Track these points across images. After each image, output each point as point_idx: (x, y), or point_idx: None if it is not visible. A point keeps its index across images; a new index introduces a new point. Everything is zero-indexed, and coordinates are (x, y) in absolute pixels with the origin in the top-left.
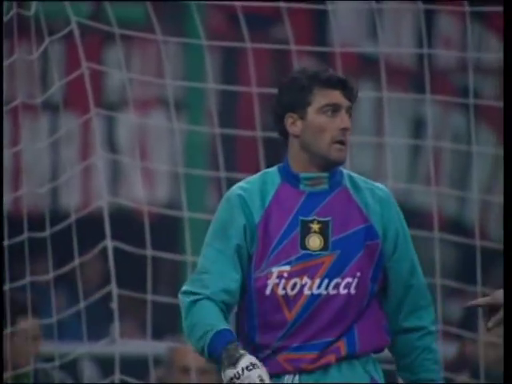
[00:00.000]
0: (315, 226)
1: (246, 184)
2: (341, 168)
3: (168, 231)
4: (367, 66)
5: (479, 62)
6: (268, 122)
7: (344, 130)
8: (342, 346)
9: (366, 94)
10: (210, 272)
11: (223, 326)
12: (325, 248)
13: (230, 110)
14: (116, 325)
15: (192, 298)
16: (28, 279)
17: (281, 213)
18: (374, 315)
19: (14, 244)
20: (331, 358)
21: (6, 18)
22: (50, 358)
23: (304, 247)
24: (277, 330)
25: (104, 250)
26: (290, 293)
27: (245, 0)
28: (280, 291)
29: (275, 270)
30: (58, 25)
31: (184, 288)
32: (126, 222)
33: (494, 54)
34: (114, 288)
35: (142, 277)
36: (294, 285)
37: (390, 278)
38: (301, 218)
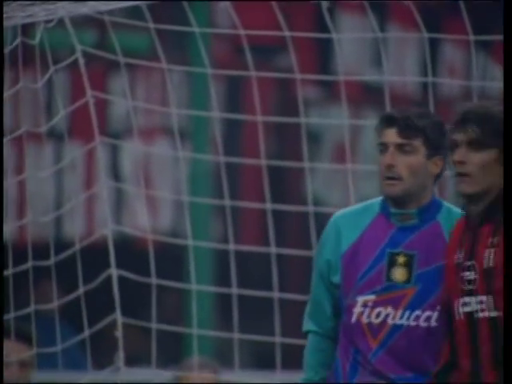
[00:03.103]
0: (401, 259)
1: (349, 209)
2: (441, 201)
3: (172, 259)
4: (371, 94)
5: (483, 91)
6: (272, 150)
7: (389, 166)
8: None
9: (370, 122)
10: (311, 302)
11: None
12: (408, 280)
13: (234, 138)
14: (120, 353)
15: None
16: (32, 308)
17: (371, 243)
18: None
19: (19, 272)
20: None
21: (10, 47)
22: None
23: (389, 279)
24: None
25: (109, 279)
26: (375, 321)
27: (249, 29)
28: (365, 319)
29: (360, 300)
30: (63, 53)
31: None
32: (130, 251)
33: (498, 82)
34: (118, 316)
35: (146, 305)
36: (379, 314)
37: None
38: (388, 250)
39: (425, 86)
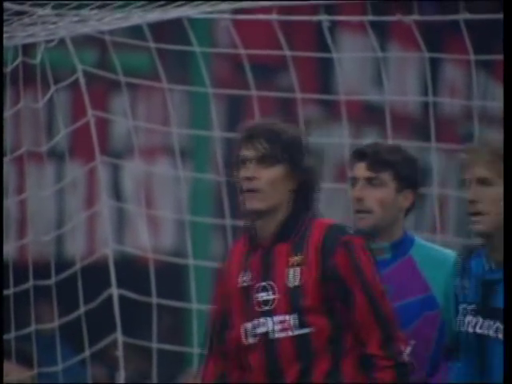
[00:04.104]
0: None
1: None
2: (413, 236)
3: (173, 279)
4: (372, 114)
5: (484, 111)
6: None
7: (358, 199)
8: None
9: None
10: None
11: None
12: None
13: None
14: (121, 372)
15: None
16: (33, 327)
17: None
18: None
19: (20, 292)
20: None
21: (11, 67)
22: None
23: None
24: None
25: (109, 298)
26: None
27: (250, 48)
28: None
29: None
30: (64, 73)
31: None
32: (131, 270)
33: (498, 102)
34: (119, 336)
35: (147, 325)
36: None
37: None
38: None
39: (425, 105)
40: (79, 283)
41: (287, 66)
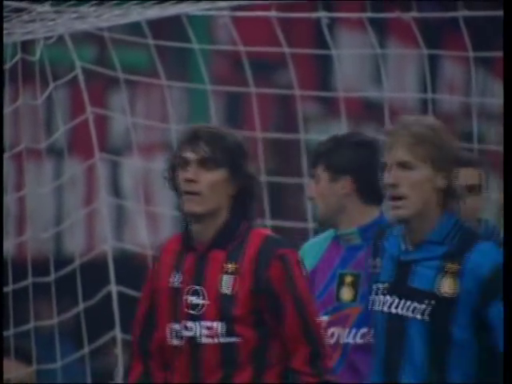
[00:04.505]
0: (348, 279)
1: (314, 239)
2: (385, 220)
3: None
4: (371, 110)
5: (483, 107)
6: (272, 166)
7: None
8: None
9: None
10: None
11: None
12: (354, 299)
13: None
14: (120, 369)
15: None
16: (32, 324)
17: (326, 266)
18: None
19: (19, 289)
20: None
21: (10, 64)
22: None
23: (338, 299)
24: None
25: (108, 295)
26: (330, 341)
27: (249, 45)
28: None
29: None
30: (63, 70)
31: None
32: (130, 267)
33: (497, 99)
34: (118, 333)
35: None
36: (332, 334)
37: None
38: (339, 271)
39: (424, 102)
40: (78, 280)
41: (286, 63)
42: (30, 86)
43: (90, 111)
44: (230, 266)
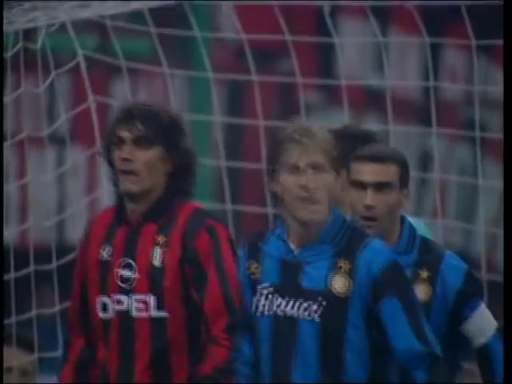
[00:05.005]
0: None
1: None
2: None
3: None
4: (373, 98)
5: (485, 95)
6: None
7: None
8: None
9: (371, 127)
10: None
11: None
12: None
13: (236, 142)
14: None
15: None
16: (34, 312)
17: None
18: None
19: (20, 277)
20: None
21: (12, 52)
22: None
23: None
24: None
25: None
26: None
27: (251, 34)
28: None
29: None
30: (65, 58)
31: None
32: None
33: (499, 87)
34: None
35: None
36: None
37: None
38: None
39: (426, 90)
40: None
41: (288, 51)
42: (32, 74)
43: (92, 99)
44: (160, 238)
